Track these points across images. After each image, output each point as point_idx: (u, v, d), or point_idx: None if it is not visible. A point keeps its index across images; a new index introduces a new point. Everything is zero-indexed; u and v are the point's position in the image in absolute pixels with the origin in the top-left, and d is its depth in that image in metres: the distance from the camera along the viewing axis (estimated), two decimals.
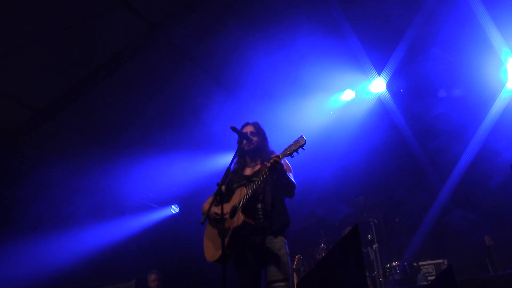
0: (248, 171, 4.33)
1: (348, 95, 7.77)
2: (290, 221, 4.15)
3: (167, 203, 9.61)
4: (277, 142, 7.78)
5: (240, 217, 3.91)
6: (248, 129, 4.46)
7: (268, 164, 3.88)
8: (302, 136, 3.79)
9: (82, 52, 6.44)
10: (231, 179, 4.34)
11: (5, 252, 6.90)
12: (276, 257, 3.92)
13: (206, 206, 4.29)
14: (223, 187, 3.95)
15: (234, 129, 4.20)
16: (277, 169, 3.86)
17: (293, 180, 4.14)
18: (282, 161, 3.94)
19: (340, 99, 7.83)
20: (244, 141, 4.31)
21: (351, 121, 7.87)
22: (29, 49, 6.14)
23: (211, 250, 4.10)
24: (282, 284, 3.83)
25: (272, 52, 6.62)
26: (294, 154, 3.81)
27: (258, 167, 4.29)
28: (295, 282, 6.66)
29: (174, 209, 9.68)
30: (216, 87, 7.35)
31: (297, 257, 6.81)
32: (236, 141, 4.28)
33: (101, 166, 8.19)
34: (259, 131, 4.48)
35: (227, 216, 4.06)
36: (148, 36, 6.45)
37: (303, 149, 3.78)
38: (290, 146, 3.84)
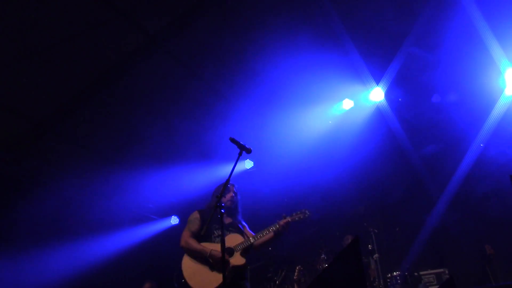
0: (227, 220, 4.90)
1: (347, 104, 7.77)
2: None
3: (167, 214, 9.60)
4: (277, 151, 7.80)
5: (240, 259, 4.58)
6: (232, 188, 5.09)
7: (282, 223, 4.64)
8: (307, 209, 4.74)
9: (80, 64, 6.44)
10: (206, 218, 4.75)
11: (4, 266, 6.87)
12: None
13: (189, 240, 4.79)
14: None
15: (233, 140, 4.22)
16: (287, 229, 4.66)
17: None
18: (242, 222, 4.96)
19: (339, 109, 7.84)
20: (229, 197, 4.99)
21: (350, 130, 7.87)
22: (28, 61, 6.16)
23: (204, 281, 4.57)
24: None
25: (272, 64, 6.64)
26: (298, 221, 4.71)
27: (230, 221, 4.93)
28: None
29: (174, 220, 9.67)
30: (217, 97, 7.35)
31: (297, 268, 6.79)
32: (237, 153, 4.30)
33: (100, 178, 8.18)
34: (239, 193, 5.15)
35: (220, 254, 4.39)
36: (147, 47, 6.46)
37: (306, 220, 4.74)
38: (297, 213, 4.73)
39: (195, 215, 4.96)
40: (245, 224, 5.05)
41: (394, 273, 6.84)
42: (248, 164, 8.44)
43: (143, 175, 8.01)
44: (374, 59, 6.93)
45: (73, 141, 7.72)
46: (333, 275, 2.96)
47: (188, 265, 4.68)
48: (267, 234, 4.68)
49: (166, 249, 9.12)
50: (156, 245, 9.14)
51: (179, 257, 8.83)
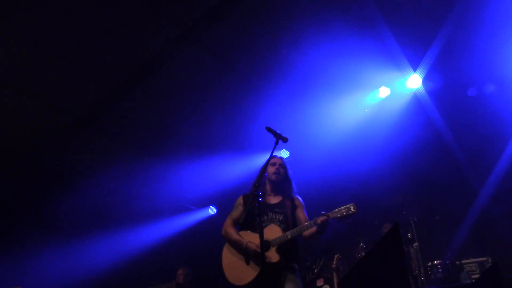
0: (271, 200, 4.66)
1: (383, 92, 7.66)
2: (299, 257, 4.63)
3: (205, 205, 9.75)
4: (314, 140, 7.75)
5: (275, 255, 4.28)
6: (277, 161, 4.79)
7: (319, 221, 4.19)
8: (353, 204, 4.21)
9: (116, 60, 6.59)
10: (249, 200, 4.39)
11: (50, 254, 7.15)
12: None
13: (228, 229, 4.62)
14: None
15: (269, 129, 4.22)
16: (325, 227, 4.22)
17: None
18: (300, 203, 4.59)
19: (375, 97, 7.73)
20: (273, 171, 4.69)
21: (387, 119, 7.76)
22: (67, 58, 6.34)
23: (239, 274, 4.40)
24: None
25: (306, 52, 6.60)
26: (343, 219, 4.22)
27: (280, 199, 4.65)
28: (335, 282, 6.62)
29: (212, 210, 9.81)
30: (251, 88, 7.37)
31: (336, 256, 6.77)
32: (274, 141, 4.26)
33: (139, 170, 8.36)
34: (285, 165, 4.84)
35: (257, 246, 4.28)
36: (181, 41, 6.53)
37: (350, 218, 4.24)
38: (341, 209, 4.21)
39: (239, 201, 4.77)
40: (301, 201, 4.69)
41: (435, 262, 6.73)
42: (284, 153, 8.44)
43: (181, 166, 8.14)
44: (411, 45, 6.77)
45: (113, 135, 7.93)
46: (372, 263, 2.93)
47: (227, 255, 4.58)
48: (305, 230, 4.32)
49: (204, 238, 9.29)
50: (194, 235, 9.30)
51: (216, 246, 9.02)
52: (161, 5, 5.95)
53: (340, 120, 7.52)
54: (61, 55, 6.26)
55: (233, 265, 4.47)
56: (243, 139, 7.86)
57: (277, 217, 4.51)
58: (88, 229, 7.83)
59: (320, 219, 4.19)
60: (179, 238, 9.08)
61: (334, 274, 6.72)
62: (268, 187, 4.75)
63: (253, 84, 7.37)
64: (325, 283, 7.19)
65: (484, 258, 6.82)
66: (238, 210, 4.70)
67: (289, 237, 4.30)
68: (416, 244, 6.81)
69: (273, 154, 4.19)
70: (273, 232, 4.38)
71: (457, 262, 6.73)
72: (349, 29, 6.39)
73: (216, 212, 9.85)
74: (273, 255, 4.28)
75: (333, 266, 6.72)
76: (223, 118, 7.57)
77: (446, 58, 6.95)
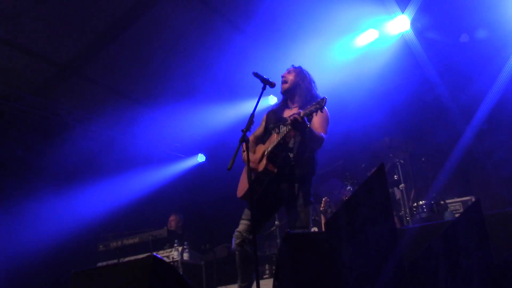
0: (286, 113, 4.44)
1: (370, 35, 7.57)
2: (314, 172, 4.33)
3: (194, 153, 9.82)
4: None
5: (263, 164, 4.12)
6: (286, 71, 4.55)
7: (288, 121, 3.97)
8: (325, 97, 3.94)
9: (100, 5, 6.41)
10: (270, 117, 4.48)
11: (41, 203, 7.22)
12: (298, 206, 4.13)
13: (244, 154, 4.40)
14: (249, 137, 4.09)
15: (256, 74, 4.17)
16: (296, 126, 3.94)
17: (318, 134, 4.18)
18: (317, 113, 3.99)
19: (362, 39, 7.64)
20: (281, 81, 4.44)
21: (375, 63, 7.71)
22: (47, 4, 6.14)
23: (241, 187, 4.37)
24: (299, 231, 4.00)
25: None
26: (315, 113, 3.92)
27: (295, 109, 4.34)
28: (323, 222, 6.79)
29: (201, 158, 9.89)
30: (236, 32, 7.25)
31: (324, 199, 6.89)
32: (261, 87, 4.22)
33: (125, 118, 8.33)
34: (298, 72, 4.54)
35: (257, 159, 4.24)
36: None
37: (322, 109, 3.94)
38: (312, 104, 3.97)
39: (264, 117, 4.60)
40: (322, 111, 4.06)
41: (420, 202, 6.90)
42: (271, 100, 8.39)
43: (169, 114, 8.09)
44: None
45: (98, 83, 7.83)
46: (358, 204, 2.99)
47: (243, 172, 4.49)
48: (287, 132, 4.08)
49: (194, 185, 9.41)
50: (184, 182, 9.41)
51: (206, 193, 9.16)
52: None
53: (327, 65, 7.45)
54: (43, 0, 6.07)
55: (242, 180, 4.45)
56: (231, 84, 7.80)
57: (286, 128, 4.16)
58: (78, 179, 7.87)
59: (289, 118, 3.96)
60: (170, 186, 9.18)
61: (322, 217, 6.87)
62: (288, 100, 4.56)
63: (238, 28, 7.25)
64: (313, 225, 7.37)
65: (468, 197, 7.01)
66: (260, 127, 4.56)
67: (277, 141, 4.14)
68: (402, 185, 6.95)
69: (260, 99, 4.13)
70: (271, 141, 4.28)
71: (442, 202, 6.89)
72: None
73: (205, 159, 9.94)
74: (262, 164, 4.16)
75: (321, 209, 6.85)
76: (209, 62, 7.44)
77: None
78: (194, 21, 6.97)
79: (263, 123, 4.58)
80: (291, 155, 4.24)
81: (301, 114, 3.91)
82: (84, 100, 7.96)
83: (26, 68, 7.11)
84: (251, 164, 4.09)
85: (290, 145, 4.27)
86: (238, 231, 4.22)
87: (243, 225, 4.22)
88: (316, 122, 4.25)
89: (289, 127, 4.03)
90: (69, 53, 7.07)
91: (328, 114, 4.43)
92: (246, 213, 4.28)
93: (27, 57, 6.92)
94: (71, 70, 7.37)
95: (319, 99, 3.97)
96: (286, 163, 4.22)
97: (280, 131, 4.26)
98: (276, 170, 4.14)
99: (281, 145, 4.18)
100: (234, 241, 4.20)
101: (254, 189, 4.11)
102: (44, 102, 7.58)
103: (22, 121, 7.54)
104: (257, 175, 4.15)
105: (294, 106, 4.47)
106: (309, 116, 3.96)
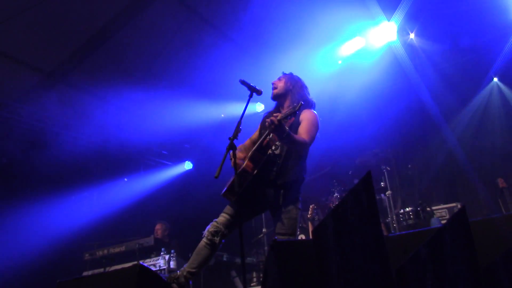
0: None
1: (357, 43, 7.62)
2: (303, 178, 4.28)
3: (181, 160, 9.79)
4: None
5: (245, 163, 4.08)
6: (277, 78, 4.53)
7: (266, 124, 3.93)
8: (300, 102, 3.88)
9: (85, 14, 6.40)
10: (263, 122, 4.44)
11: (26, 212, 7.14)
12: (284, 212, 4.09)
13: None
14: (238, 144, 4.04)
15: (243, 82, 4.16)
16: (272, 129, 3.85)
17: (299, 138, 4.11)
18: (306, 116, 4.10)
19: (349, 47, 7.69)
20: (272, 88, 4.45)
21: (361, 70, 7.76)
22: (33, 12, 6.10)
23: (226, 187, 4.27)
24: (285, 238, 3.97)
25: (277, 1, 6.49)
26: (290, 116, 3.89)
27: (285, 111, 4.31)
28: (310, 229, 6.79)
29: (188, 165, 9.85)
30: (224, 40, 7.27)
31: (311, 206, 6.90)
32: (248, 94, 4.21)
33: (111, 126, 8.27)
34: (289, 78, 4.51)
35: (243, 158, 4.24)
36: None
37: (297, 113, 3.89)
38: (289, 109, 3.91)
39: (261, 121, 4.56)
40: (309, 115, 4.25)
41: (407, 209, 6.94)
42: (259, 107, 8.41)
43: (155, 121, 8.06)
44: None
45: (85, 90, 7.78)
46: (346, 211, 2.99)
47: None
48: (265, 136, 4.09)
49: (181, 193, 9.36)
50: (171, 190, 9.36)
51: (193, 200, 9.08)
52: None
53: (313, 72, 7.48)
54: (29, 7, 6.03)
55: (228, 181, 4.37)
56: (218, 92, 7.80)
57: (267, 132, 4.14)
58: (64, 188, 7.79)
59: (267, 122, 3.91)
60: (156, 193, 9.13)
61: (310, 224, 6.87)
62: (280, 106, 4.51)
63: (226, 36, 7.26)
64: (300, 232, 7.37)
65: (454, 204, 7.08)
66: (257, 131, 4.57)
67: (258, 143, 4.13)
68: (388, 192, 6.98)
69: (247, 106, 4.12)
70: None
71: (428, 209, 6.94)
72: None
73: (192, 167, 9.91)
74: (244, 164, 4.11)
75: (308, 216, 6.85)
76: (196, 70, 7.44)
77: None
78: (180, 29, 6.98)
79: (259, 127, 4.59)
80: (278, 160, 4.22)
81: (278, 117, 3.83)
82: (70, 108, 7.90)
83: (12, 76, 7.04)
84: (238, 161, 4.08)
85: (276, 151, 4.24)
86: (216, 221, 4.18)
87: (223, 217, 4.18)
88: (303, 127, 4.22)
89: (267, 133, 4.02)
90: (54, 60, 7.02)
91: (318, 120, 4.38)
92: (229, 208, 4.24)
93: (13, 65, 6.86)
94: (56, 77, 7.31)
95: (296, 104, 3.89)
96: (271, 168, 4.20)
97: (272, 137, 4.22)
98: (255, 171, 4.10)
99: (263, 148, 4.15)
100: (208, 228, 4.14)
101: (239, 183, 4.04)
102: (29, 110, 7.51)
103: (8, 128, 7.45)
104: (241, 171, 4.08)
105: (284, 108, 4.43)
106: (285, 119, 3.90)
